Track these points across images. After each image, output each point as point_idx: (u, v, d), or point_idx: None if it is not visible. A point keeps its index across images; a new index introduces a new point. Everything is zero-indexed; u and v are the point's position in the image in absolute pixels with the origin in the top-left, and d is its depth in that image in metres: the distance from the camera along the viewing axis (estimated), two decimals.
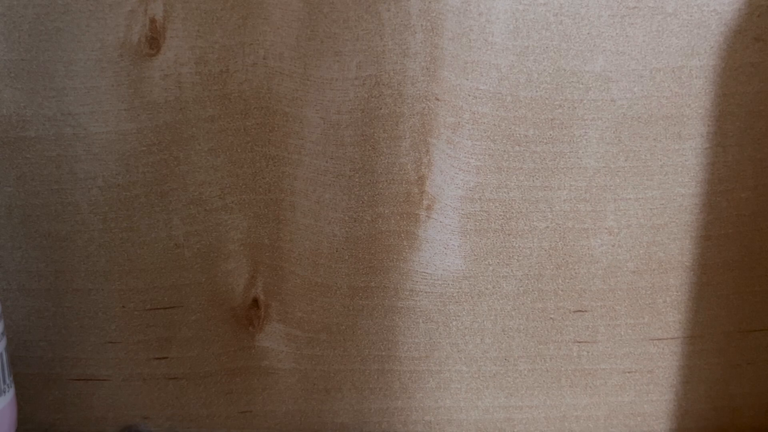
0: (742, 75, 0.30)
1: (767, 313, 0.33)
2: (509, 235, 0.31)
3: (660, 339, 0.33)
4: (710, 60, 0.30)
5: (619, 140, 0.30)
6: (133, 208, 0.31)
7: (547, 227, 0.31)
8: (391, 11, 0.29)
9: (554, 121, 0.30)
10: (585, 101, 0.30)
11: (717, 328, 0.33)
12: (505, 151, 0.30)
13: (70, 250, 0.31)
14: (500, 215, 0.31)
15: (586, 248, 0.32)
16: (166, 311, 0.32)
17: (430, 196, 0.31)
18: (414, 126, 0.30)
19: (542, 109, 0.30)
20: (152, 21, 0.29)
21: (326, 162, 0.30)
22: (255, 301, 0.32)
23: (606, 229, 0.31)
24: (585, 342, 0.33)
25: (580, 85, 0.30)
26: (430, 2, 0.29)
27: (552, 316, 0.32)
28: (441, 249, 0.31)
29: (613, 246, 0.32)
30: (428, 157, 0.30)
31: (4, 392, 0.26)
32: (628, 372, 0.33)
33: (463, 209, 0.31)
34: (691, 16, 0.29)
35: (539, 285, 0.32)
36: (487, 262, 0.32)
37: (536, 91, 0.30)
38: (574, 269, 0.32)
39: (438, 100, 0.30)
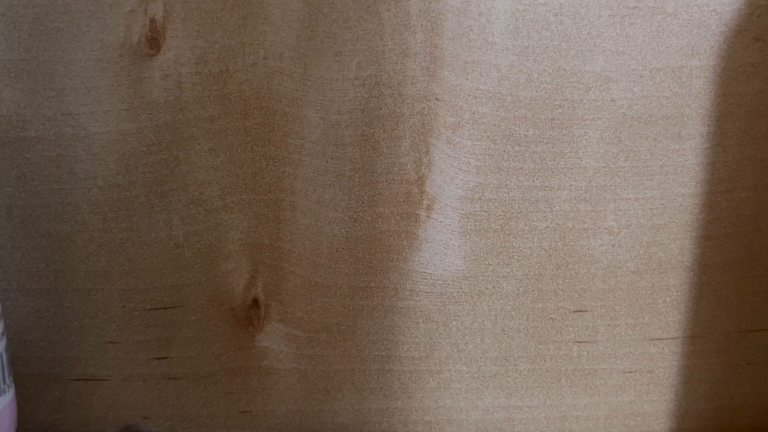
0: (742, 75, 0.30)
1: (767, 313, 0.33)
2: (509, 235, 0.31)
3: (660, 339, 0.33)
4: (710, 60, 0.30)
5: (619, 140, 0.30)
6: (133, 208, 0.31)
7: (547, 227, 0.31)
8: (391, 11, 0.29)
9: (554, 121, 0.30)
10: (585, 101, 0.30)
11: (717, 328, 0.33)
12: (505, 151, 0.30)
13: (70, 250, 0.31)
14: (500, 215, 0.31)
15: (586, 248, 0.32)
16: (166, 311, 0.32)
17: (430, 196, 0.31)
18: (414, 126, 0.30)
19: (542, 109, 0.30)
20: (152, 21, 0.29)
21: (326, 162, 0.30)
22: (255, 301, 0.32)
23: (606, 229, 0.31)
24: (585, 342, 0.33)
25: (580, 85, 0.30)
26: (430, 2, 0.29)
27: (552, 316, 0.32)
28: (441, 249, 0.31)
29: (613, 246, 0.32)
30: (428, 157, 0.30)
31: (4, 392, 0.26)
32: (628, 372, 0.33)
33: (463, 209, 0.31)
34: (691, 16, 0.29)
35: (539, 285, 0.32)
36: (487, 262, 0.32)
37: (536, 91, 0.30)
38: (574, 269, 0.32)
39: (438, 100, 0.30)
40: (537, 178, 0.31)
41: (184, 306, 0.32)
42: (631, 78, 0.30)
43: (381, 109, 0.30)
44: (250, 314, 0.32)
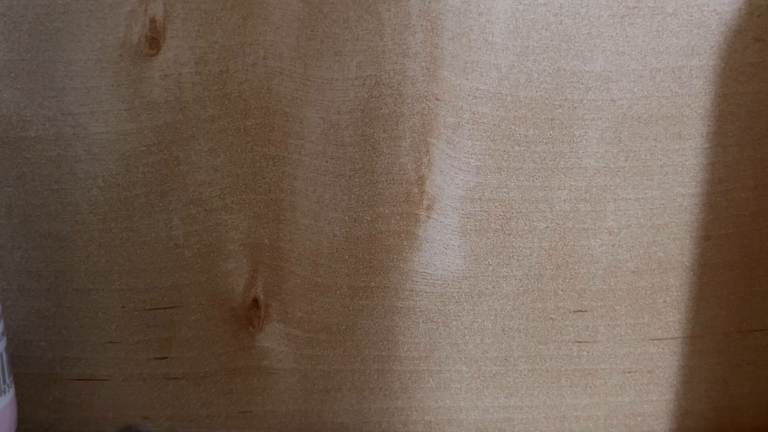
0: (742, 75, 0.30)
1: (767, 313, 0.33)
2: (509, 235, 0.31)
3: (660, 339, 0.33)
4: (710, 60, 0.30)
5: (619, 140, 0.30)
6: (133, 208, 0.31)
7: (547, 227, 0.31)
8: (391, 11, 0.29)
9: (554, 121, 0.30)
10: (585, 101, 0.30)
11: (717, 328, 0.33)
12: (505, 151, 0.30)
13: (70, 250, 0.31)
14: (500, 215, 0.31)
15: (586, 248, 0.32)
16: (166, 311, 0.32)
17: (430, 196, 0.31)
18: (414, 126, 0.30)
19: (542, 109, 0.30)
20: (152, 21, 0.29)
21: (326, 162, 0.30)
22: (255, 301, 0.32)
23: (606, 229, 0.31)
24: (585, 342, 0.33)
25: (580, 85, 0.30)
26: (430, 2, 0.29)
27: (552, 316, 0.32)
28: (441, 249, 0.31)
29: (613, 246, 0.32)
30: (428, 157, 0.30)
31: (4, 392, 0.26)
32: (628, 372, 0.33)
33: (463, 209, 0.31)
34: (691, 16, 0.29)
35: (539, 285, 0.32)
36: (487, 262, 0.32)
37: (536, 91, 0.30)
38: (574, 269, 0.32)
39: (438, 100, 0.30)
40: (537, 178, 0.31)
41: (184, 306, 0.32)
42: (631, 78, 0.30)
43: (381, 109, 0.30)
44: (250, 314, 0.32)
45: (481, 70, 0.30)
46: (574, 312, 0.32)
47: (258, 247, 0.31)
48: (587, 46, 0.29)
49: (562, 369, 0.33)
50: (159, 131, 0.30)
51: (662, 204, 0.31)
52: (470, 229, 0.31)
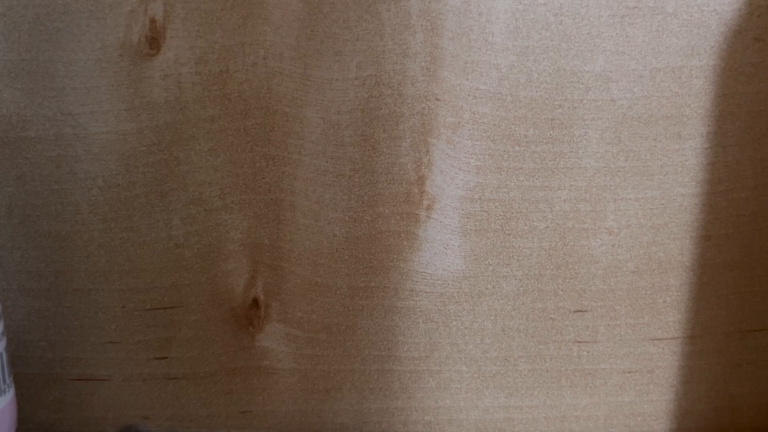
0: (742, 75, 0.30)
1: (767, 313, 0.33)
2: (509, 235, 0.31)
3: (660, 339, 0.33)
4: (710, 60, 0.30)
5: (619, 140, 0.30)
6: (133, 208, 0.31)
7: (547, 227, 0.31)
8: (391, 11, 0.29)
9: (554, 121, 0.30)
10: (585, 101, 0.30)
11: (717, 328, 0.33)
12: (505, 151, 0.30)
13: (70, 250, 0.31)
14: (500, 215, 0.31)
15: (586, 248, 0.32)
16: (166, 311, 0.32)
17: (430, 196, 0.31)
18: (414, 126, 0.30)
19: (542, 109, 0.30)
20: (152, 21, 0.29)
21: (326, 162, 0.30)
22: (255, 301, 0.32)
23: (606, 229, 0.31)
24: (585, 342, 0.33)
25: (580, 85, 0.30)
26: (430, 2, 0.29)
27: (552, 316, 0.32)
28: (441, 249, 0.31)
29: (613, 246, 0.32)
30: (428, 157, 0.30)
31: (4, 392, 0.26)
32: (628, 372, 0.33)
33: (463, 209, 0.31)
34: (691, 16, 0.29)
35: (539, 285, 0.32)
36: (487, 262, 0.32)
37: (536, 91, 0.30)
38: (574, 269, 0.32)
39: (438, 100, 0.30)
40: (537, 178, 0.31)
41: (184, 306, 0.32)
42: (631, 78, 0.30)
43: (381, 109, 0.30)
44: (250, 314, 0.32)
45: (481, 70, 0.30)
46: (574, 312, 0.32)
47: (258, 247, 0.31)
48: (587, 46, 0.29)
49: (562, 369, 0.33)
50: (159, 131, 0.30)
51: (662, 204, 0.31)
52: (470, 229, 0.31)
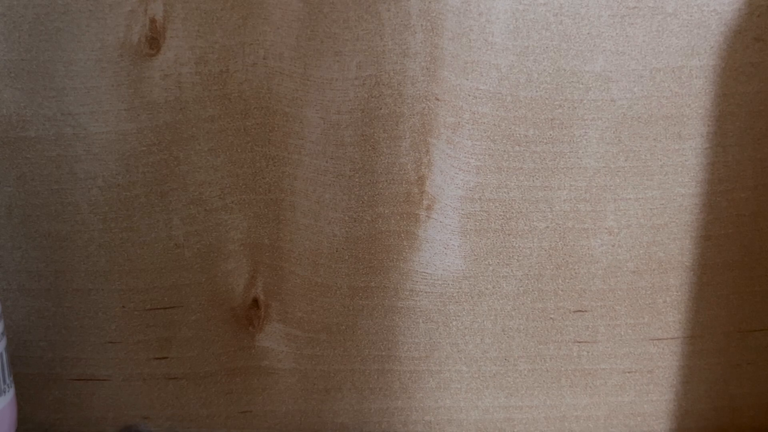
0: (742, 75, 0.30)
1: (767, 313, 0.33)
2: (509, 235, 0.31)
3: (660, 339, 0.33)
4: (710, 60, 0.30)
5: (619, 140, 0.30)
6: (133, 208, 0.31)
7: (547, 227, 0.31)
8: (391, 11, 0.29)
9: (554, 121, 0.30)
10: (585, 101, 0.30)
11: (717, 328, 0.33)
12: (505, 151, 0.30)
13: (70, 250, 0.31)
14: (500, 215, 0.31)
15: (586, 248, 0.32)
16: (166, 311, 0.32)
17: (430, 196, 0.31)
18: (414, 126, 0.30)
19: (542, 109, 0.30)
20: (152, 21, 0.29)
21: (326, 162, 0.30)
22: (255, 301, 0.32)
23: (606, 229, 0.31)
24: (585, 342, 0.33)
25: (580, 85, 0.30)
26: (430, 2, 0.29)
27: (552, 316, 0.32)
28: (441, 249, 0.31)
29: (613, 246, 0.32)
30: (428, 157, 0.30)
31: (4, 392, 0.26)
32: (628, 372, 0.33)
33: (463, 209, 0.31)
34: (691, 16, 0.29)
35: (539, 285, 0.32)
36: (487, 262, 0.32)
37: (536, 91, 0.30)
38: (574, 269, 0.32)
39: (438, 100, 0.30)
40: (537, 178, 0.31)
41: (184, 306, 0.32)
42: (631, 78, 0.30)
43: (381, 109, 0.30)
44: (250, 314, 0.32)
45: (481, 70, 0.30)
46: (574, 312, 0.32)
47: (258, 247, 0.31)
48: (587, 46, 0.29)
49: (562, 369, 0.33)
50: (159, 131, 0.30)
51: (662, 204, 0.31)
52: (470, 229, 0.31)
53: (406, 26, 0.29)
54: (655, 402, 0.33)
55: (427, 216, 0.31)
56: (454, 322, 0.32)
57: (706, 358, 0.33)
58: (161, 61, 0.29)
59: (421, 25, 0.29)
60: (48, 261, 0.31)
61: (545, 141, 0.30)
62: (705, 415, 0.33)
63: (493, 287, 0.32)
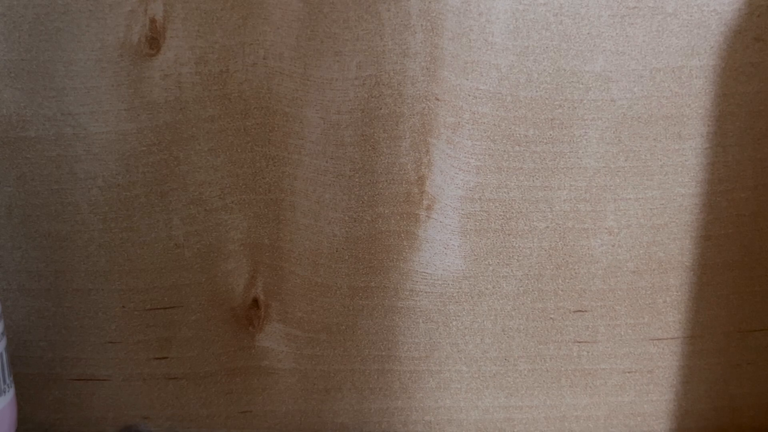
0: (742, 75, 0.30)
1: (767, 313, 0.33)
2: (509, 235, 0.31)
3: (660, 339, 0.33)
4: (710, 60, 0.30)
5: (619, 140, 0.30)
6: (133, 208, 0.31)
7: (547, 227, 0.31)
8: (391, 11, 0.29)
9: (554, 121, 0.30)
10: (585, 101, 0.30)
11: (717, 328, 0.33)
12: (505, 151, 0.30)
13: (70, 250, 0.31)
14: (500, 215, 0.31)
15: (586, 248, 0.32)
16: (166, 311, 0.32)
17: (430, 196, 0.31)
18: (414, 126, 0.30)
19: (542, 109, 0.30)
20: (152, 21, 0.29)
21: (326, 162, 0.30)
22: (255, 301, 0.32)
23: (606, 229, 0.31)
24: (585, 342, 0.33)
25: (580, 85, 0.30)
26: (430, 2, 0.29)
27: (552, 316, 0.32)
28: (441, 249, 0.31)
29: (613, 246, 0.32)
30: (428, 157, 0.30)
31: (4, 392, 0.26)
32: (628, 372, 0.33)
33: (463, 209, 0.31)
34: (691, 16, 0.29)
35: (539, 285, 0.32)
36: (487, 262, 0.32)
37: (536, 91, 0.30)
38: (574, 269, 0.32)
39: (438, 100, 0.30)
40: (537, 178, 0.31)
41: (184, 306, 0.32)
42: (631, 78, 0.30)
43: (381, 109, 0.30)
44: (250, 314, 0.32)
45: (481, 70, 0.30)
46: (574, 312, 0.32)
47: (258, 247, 0.31)
48: (587, 46, 0.29)
49: (562, 369, 0.33)
50: (159, 131, 0.30)
51: (662, 204, 0.31)
52: (470, 229, 0.31)
53: (406, 26, 0.29)
54: (655, 402, 0.33)
55: (427, 216, 0.31)
56: (454, 322, 0.32)
57: (706, 358, 0.33)
58: (161, 61, 0.29)
59: (421, 25, 0.29)
60: (48, 261, 0.31)
61: (545, 141, 0.30)
62: (705, 415, 0.33)
63: (493, 287, 0.32)
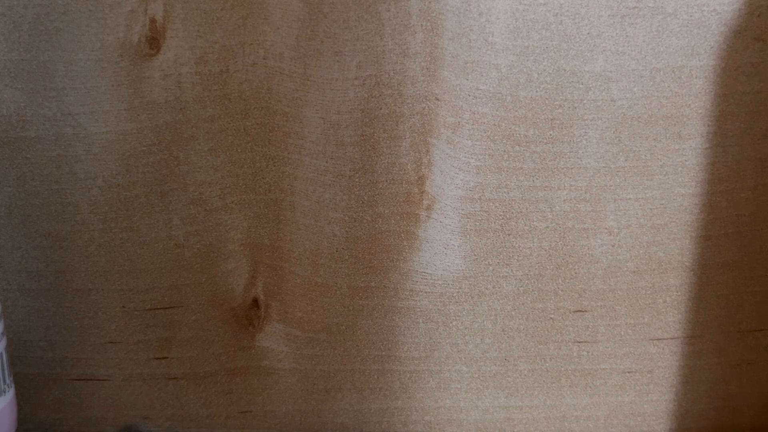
0: (742, 75, 0.30)
1: (767, 313, 0.33)
2: (509, 235, 0.31)
3: (660, 339, 0.33)
4: (710, 60, 0.30)
5: (619, 140, 0.30)
6: (133, 208, 0.31)
7: (547, 227, 0.31)
8: (391, 11, 0.29)
9: (554, 121, 0.30)
10: (585, 101, 0.30)
11: (717, 328, 0.33)
12: (505, 151, 0.30)
13: (70, 250, 0.31)
14: (500, 215, 0.31)
15: (586, 248, 0.32)
16: (166, 311, 0.32)
17: (430, 196, 0.31)
18: (414, 126, 0.30)
19: (542, 109, 0.30)
20: (152, 21, 0.29)
21: (326, 162, 0.30)
22: (255, 301, 0.32)
23: (606, 229, 0.31)
24: (585, 342, 0.33)
25: (580, 85, 0.30)
26: (430, 2, 0.29)
27: (552, 316, 0.32)
28: (441, 249, 0.31)
29: (613, 246, 0.32)
30: (428, 157, 0.30)
31: (4, 392, 0.26)
32: (628, 372, 0.33)
33: (463, 209, 0.31)
34: (691, 16, 0.29)
35: (539, 285, 0.32)
36: (487, 262, 0.32)
37: (536, 91, 0.30)
38: (574, 269, 0.32)
39: (438, 100, 0.30)
40: (537, 178, 0.31)
41: (184, 306, 0.32)
42: (631, 78, 0.30)
43: (381, 109, 0.30)
44: (250, 314, 0.32)
45: (481, 70, 0.30)
46: (574, 312, 0.32)
47: (258, 247, 0.31)
48: (587, 46, 0.29)
49: (562, 369, 0.33)
50: (159, 131, 0.30)
51: (662, 204, 0.31)
52: (470, 229, 0.31)
53: (406, 26, 0.29)
54: (655, 402, 0.33)
55: (427, 216, 0.31)
56: (454, 322, 0.32)
57: (706, 358, 0.33)
58: (161, 61, 0.29)
59: (421, 25, 0.29)
60: (48, 261, 0.31)
61: (545, 141, 0.30)
62: (705, 415, 0.33)
63: (493, 287, 0.32)
